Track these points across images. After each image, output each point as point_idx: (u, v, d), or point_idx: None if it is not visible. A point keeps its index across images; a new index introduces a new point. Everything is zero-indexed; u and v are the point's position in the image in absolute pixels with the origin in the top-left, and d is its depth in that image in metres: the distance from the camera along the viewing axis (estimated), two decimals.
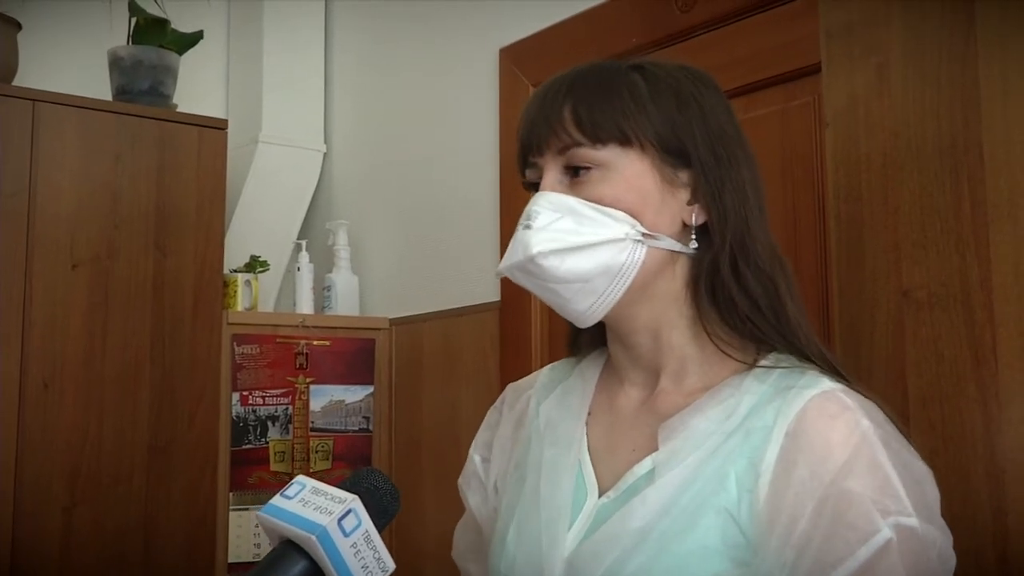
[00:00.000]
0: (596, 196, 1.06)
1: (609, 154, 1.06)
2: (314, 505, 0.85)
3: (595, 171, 1.06)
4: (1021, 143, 1.20)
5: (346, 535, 0.84)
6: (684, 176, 1.08)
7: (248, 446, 2.59)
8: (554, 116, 1.07)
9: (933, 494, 0.99)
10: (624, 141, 1.06)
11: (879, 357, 1.30)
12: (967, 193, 1.24)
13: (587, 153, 1.06)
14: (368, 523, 0.86)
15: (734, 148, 1.09)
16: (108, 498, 2.39)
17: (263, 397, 2.62)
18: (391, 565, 0.87)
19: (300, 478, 0.89)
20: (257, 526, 2.46)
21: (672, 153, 1.07)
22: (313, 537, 0.83)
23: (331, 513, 0.84)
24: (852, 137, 1.36)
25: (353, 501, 0.85)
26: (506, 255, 1.08)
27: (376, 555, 0.85)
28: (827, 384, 1.02)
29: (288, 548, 0.85)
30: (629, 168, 1.06)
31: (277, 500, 0.87)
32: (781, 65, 1.87)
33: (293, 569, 0.84)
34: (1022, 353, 1.18)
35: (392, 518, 0.91)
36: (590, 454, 1.12)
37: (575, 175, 1.07)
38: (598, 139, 1.05)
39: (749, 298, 1.07)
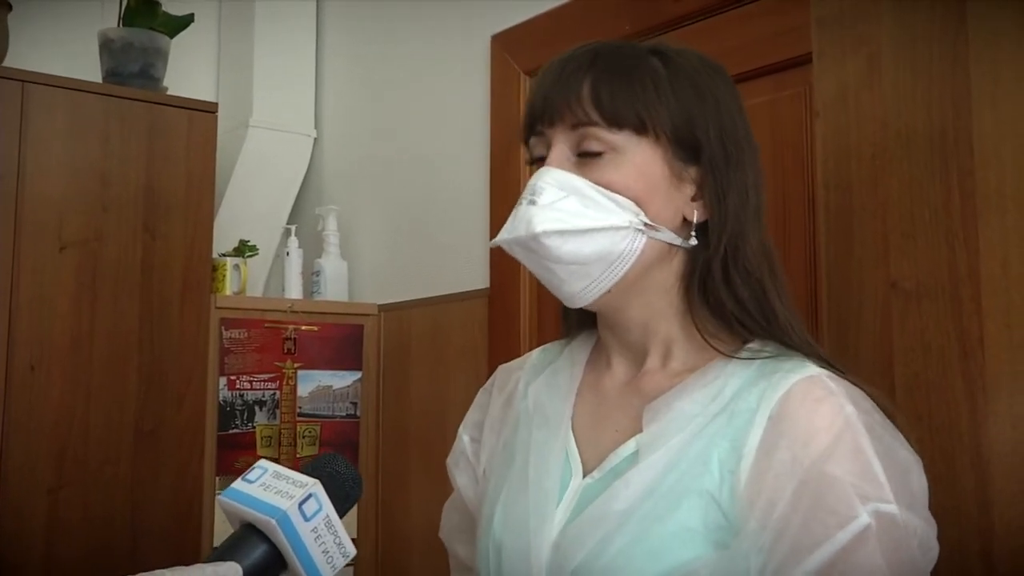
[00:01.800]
0: (604, 180, 1.04)
1: (623, 139, 1.04)
2: (275, 489, 0.84)
3: (607, 154, 1.04)
4: (1011, 135, 1.19)
5: (307, 519, 0.83)
6: (692, 171, 1.07)
7: (235, 431, 2.58)
8: (572, 90, 1.05)
9: (919, 483, 0.99)
10: (640, 128, 1.04)
11: (866, 347, 1.30)
12: (956, 184, 1.23)
13: (601, 134, 1.04)
14: (329, 508, 0.85)
15: (742, 146, 1.09)
16: (95, 481, 2.38)
17: (250, 382, 2.60)
18: (352, 550, 0.86)
19: (262, 462, 0.89)
20: None
21: (684, 147, 1.06)
22: (273, 521, 0.83)
23: (292, 497, 0.83)
24: (842, 127, 1.35)
25: (314, 486, 0.85)
26: (505, 228, 1.06)
27: (337, 540, 0.85)
28: (813, 369, 1.02)
29: (249, 532, 0.84)
30: (640, 156, 1.04)
31: (238, 484, 0.87)
32: (772, 55, 1.86)
33: (253, 553, 0.83)
34: (1009, 345, 1.17)
35: (354, 503, 0.90)
36: (575, 433, 1.11)
37: (584, 154, 1.05)
38: (615, 122, 1.04)
39: (737, 301, 1.06)
